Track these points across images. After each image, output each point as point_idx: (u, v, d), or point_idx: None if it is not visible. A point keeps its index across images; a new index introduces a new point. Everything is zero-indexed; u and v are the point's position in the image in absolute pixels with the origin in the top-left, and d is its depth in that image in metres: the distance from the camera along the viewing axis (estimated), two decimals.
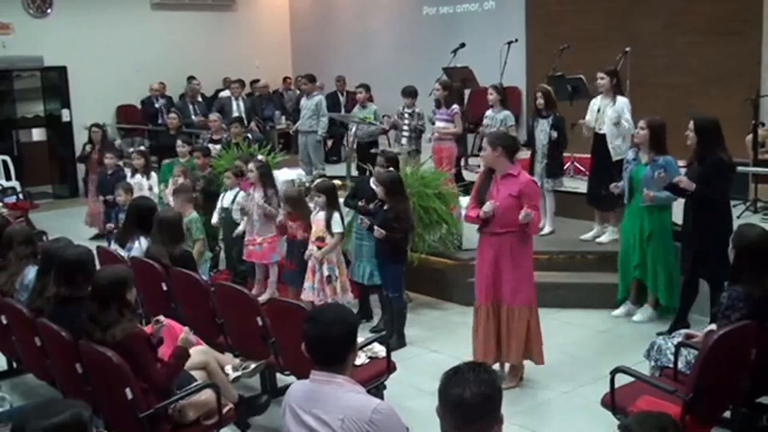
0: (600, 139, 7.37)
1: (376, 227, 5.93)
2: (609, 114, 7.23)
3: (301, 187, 7.71)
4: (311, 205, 6.72)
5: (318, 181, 7.40)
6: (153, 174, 8.90)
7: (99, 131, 10.59)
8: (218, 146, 9.35)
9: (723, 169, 5.79)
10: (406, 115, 8.94)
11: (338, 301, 6.16)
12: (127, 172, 9.08)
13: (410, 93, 8.98)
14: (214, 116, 10.33)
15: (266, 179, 7.09)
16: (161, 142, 10.89)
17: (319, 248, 6.30)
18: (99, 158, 10.14)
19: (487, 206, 5.04)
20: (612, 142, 7.24)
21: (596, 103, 7.47)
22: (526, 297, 5.22)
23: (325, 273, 6.29)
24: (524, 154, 7.55)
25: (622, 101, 7.28)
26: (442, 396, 2.47)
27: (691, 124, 5.81)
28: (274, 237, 7.12)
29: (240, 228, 7.30)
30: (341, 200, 6.67)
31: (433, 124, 8.81)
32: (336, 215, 6.31)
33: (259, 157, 7.61)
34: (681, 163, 6.29)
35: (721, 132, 5.82)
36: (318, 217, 6.38)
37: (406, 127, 8.92)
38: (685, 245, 6.06)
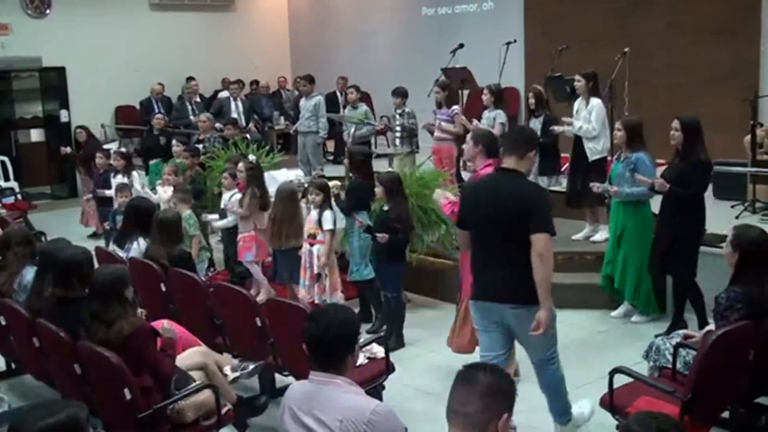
0: (578, 140, 7.50)
1: (379, 234, 5.94)
2: (583, 116, 7.33)
3: (299, 187, 7.73)
4: (305, 205, 6.77)
5: (307, 179, 7.47)
6: (134, 173, 9.03)
7: (83, 132, 10.79)
8: (200, 146, 9.36)
9: (702, 169, 5.91)
10: (397, 116, 8.97)
11: (327, 300, 6.20)
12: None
13: (400, 93, 9.03)
14: (203, 116, 10.30)
15: (252, 181, 7.14)
16: (147, 143, 10.94)
17: (311, 245, 6.35)
18: (82, 158, 10.39)
19: (436, 193, 5.25)
20: (587, 143, 7.36)
21: (576, 105, 7.58)
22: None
23: (315, 271, 6.32)
24: None
25: (594, 103, 7.37)
26: (457, 375, 2.54)
27: (677, 123, 5.88)
28: (250, 236, 7.15)
29: (220, 223, 7.54)
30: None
31: (433, 125, 8.83)
32: (327, 213, 6.35)
33: (251, 157, 7.63)
34: (661, 160, 6.38)
35: (702, 131, 5.91)
36: (311, 215, 6.45)
37: (398, 128, 8.95)
38: (658, 241, 6.15)
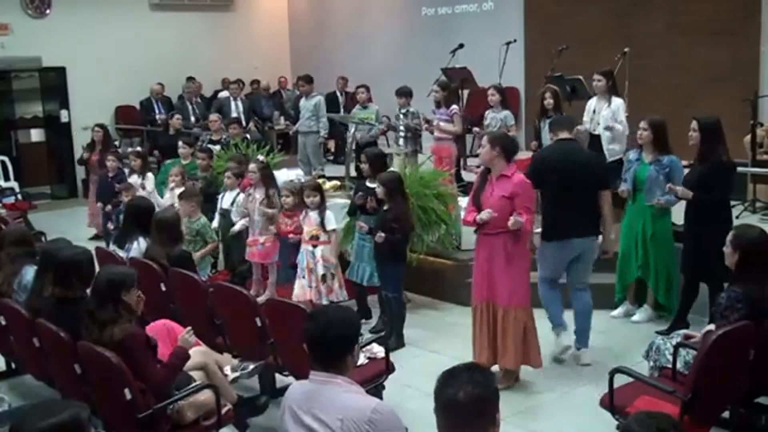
0: (595, 141, 7.38)
1: (378, 234, 5.94)
2: (604, 115, 7.25)
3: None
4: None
5: (308, 179, 7.44)
6: (149, 174, 8.88)
7: (101, 131, 10.54)
8: (217, 146, 9.35)
9: (724, 171, 5.79)
10: (401, 116, 8.97)
11: (335, 299, 6.21)
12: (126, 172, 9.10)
13: (404, 93, 9.00)
14: (214, 116, 10.33)
15: (268, 180, 7.12)
16: (162, 143, 10.90)
17: (315, 246, 6.35)
18: (99, 159, 10.15)
19: (485, 214, 5.08)
20: (607, 145, 7.24)
21: (592, 104, 7.48)
22: (522, 298, 5.22)
23: (320, 272, 6.32)
24: (525, 154, 7.55)
25: (618, 102, 7.29)
26: (437, 396, 2.48)
27: (695, 124, 5.77)
28: (273, 237, 7.11)
29: (236, 227, 7.32)
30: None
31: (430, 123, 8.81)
32: (328, 213, 6.41)
33: (260, 157, 7.61)
34: (684, 162, 6.29)
35: (723, 132, 5.81)
36: (310, 217, 6.43)
37: (402, 128, 8.94)
38: (686, 246, 6.04)
